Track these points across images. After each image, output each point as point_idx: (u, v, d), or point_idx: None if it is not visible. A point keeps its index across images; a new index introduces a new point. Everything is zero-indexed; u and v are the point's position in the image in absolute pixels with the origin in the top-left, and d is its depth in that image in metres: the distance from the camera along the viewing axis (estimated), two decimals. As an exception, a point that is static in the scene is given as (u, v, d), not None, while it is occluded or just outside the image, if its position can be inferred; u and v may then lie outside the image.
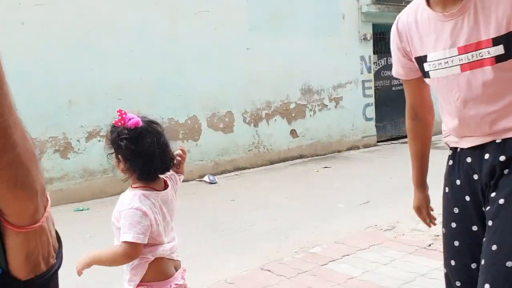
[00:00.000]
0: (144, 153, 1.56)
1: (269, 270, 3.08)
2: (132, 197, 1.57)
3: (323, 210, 4.57)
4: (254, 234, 3.94)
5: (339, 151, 8.06)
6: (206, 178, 6.24)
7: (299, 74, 7.48)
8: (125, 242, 1.51)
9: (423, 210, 1.76)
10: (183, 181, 5.96)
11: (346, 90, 8.18)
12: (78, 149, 5.47)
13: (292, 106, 7.46)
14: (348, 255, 3.28)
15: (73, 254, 3.62)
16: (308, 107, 7.67)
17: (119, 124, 1.59)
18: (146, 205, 1.56)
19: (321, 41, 7.69)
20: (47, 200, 0.66)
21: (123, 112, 1.60)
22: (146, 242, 1.53)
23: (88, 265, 1.60)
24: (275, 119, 7.26)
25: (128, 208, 1.54)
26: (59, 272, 0.71)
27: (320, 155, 7.74)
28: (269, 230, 4.00)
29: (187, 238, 3.89)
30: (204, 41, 6.41)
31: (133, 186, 1.64)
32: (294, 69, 7.38)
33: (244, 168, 6.83)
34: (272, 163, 7.15)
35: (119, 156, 1.60)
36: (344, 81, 8.14)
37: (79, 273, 1.60)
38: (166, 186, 1.68)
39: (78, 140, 5.47)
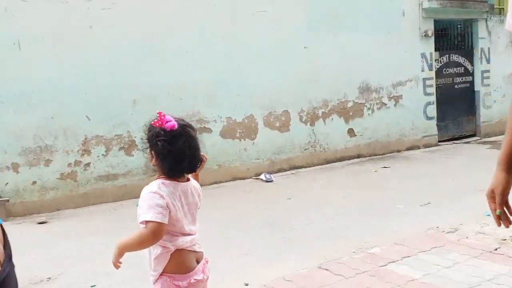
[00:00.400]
0: (175, 154, 1.67)
1: (327, 269, 3.08)
2: (152, 184, 1.70)
3: (382, 210, 4.50)
4: (311, 233, 3.95)
5: (398, 151, 7.87)
6: (262, 176, 6.30)
7: (357, 72, 7.38)
8: (145, 221, 1.62)
9: (498, 196, 1.44)
10: (240, 178, 6.08)
11: (406, 88, 7.97)
12: (142, 147, 5.68)
13: (350, 105, 7.37)
14: (408, 256, 3.22)
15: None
16: (366, 106, 7.55)
17: (157, 124, 1.70)
18: (164, 191, 1.67)
19: (381, 39, 7.54)
20: None
21: (162, 114, 1.72)
22: (166, 222, 1.63)
23: (120, 254, 1.69)
24: (332, 118, 7.21)
25: (147, 193, 1.67)
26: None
27: (378, 155, 7.59)
28: (327, 229, 3.99)
29: (244, 235, 3.98)
30: (262, 40, 6.48)
31: (158, 177, 1.75)
32: (352, 67, 7.29)
33: (300, 167, 6.83)
34: (328, 162, 7.10)
35: (153, 152, 1.72)
36: (404, 79, 7.94)
37: (116, 266, 1.70)
38: (187, 180, 1.79)
39: (141, 138, 5.67)
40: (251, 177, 6.39)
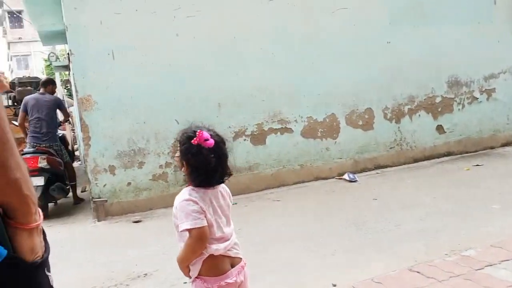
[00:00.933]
0: (209, 169, 1.75)
1: (418, 272, 2.97)
2: (184, 192, 1.79)
3: (475, 210, 4.24)
4: (400, 234, 3.83)
5: (492, 148, 7.37)
6: (345, 176, 6.21)
7: (445, 66, 7.02)
8: (186, 230, 1.71)
9: None
10: (323, 178, 6.03)
11: (499, 81, 7.45)
12: (227, 148, 5.85)
13: (438, 100, 7.03)
14: (507, 260, 3.01)
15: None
16: (456, 101, 7.16)
17: (195, 142, 1.75)
18: (196, 196, 1.75)
19: (470, 29, 7.11)
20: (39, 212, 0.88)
21: (200, 132, 1.77)
22: (206, 223, 1.71)
23: (183, 269, 1.82)
24: (419, 115, 6.92)
25: (180, 201, 1.75)
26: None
27: (470, 152, 7.16)
28: (416, 231, 3.85)
29: (330, 235, 3.95)
30: (342, 38, 6.39)
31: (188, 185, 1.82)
32: (440, 60, 6.95)
33: (386, 166, 6.64)
34: (416, 161, 6.83)
35: (185, 163, 1.79)
36: (497, 71, 7.42)
37: (190, 278, 1.84)
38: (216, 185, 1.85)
39: (227, 140, 5.85)
40: (334, 177, 6.32)
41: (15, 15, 40.00)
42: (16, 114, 8.66)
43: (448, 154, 7.06)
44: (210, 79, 5.75)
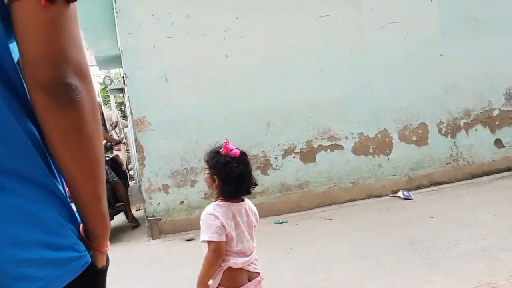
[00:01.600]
0: (237, 178, 1.90)
1: (481, 295, 2.83)
2: (209, 207, 1.92)
3: (543, 230, 4.00)
4: (460, 254, 3.66)
5: (557, 162, 6.95)
6: (400, 194, 6.04)
7: (502, 78, 6.74)
8: (204, 242, 1.85)
9: None
10: (376, 196, 5.89)
11: (563, 91, 7.05)
12: (276, 166, 5.87)
13: (495, 113, 6.74)
14: None
15: (277, 264, 3.89)
16: (515, 113, 6.84)
17: (223, 152, 1.93)
18: (219, 211, 1.87)
19: (529, 39, 6.81)
20: None
21: (227, 143, 1.96)
22: (223, 239, 1.84)
23: (203, 285, 1.89)
24: (476, 129, 6.65)
25: (204, 215, 1.90)
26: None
27: (533, 167, 6.79)
28: (477, 250, 3.67)
29: (384, 255, 3.84)
30: (392, 52, 6.29)
31: (218, 199, 1.97)
32: (496, 72, 6.68)
33: (442, 183, 6.40)
34: (474, 177, 6.55)
35: (215, 176, 1.93)
36: (560, 81, 7.03)
37: None
38: (242, 200, 1.98)
39: (276, 158, 5.87)
40: (387, 195, 6.16)
41: (73, 42, 42.19)
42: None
43: (508, 169, 6.72)
44: (259, 98, 5.80)
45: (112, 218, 6.09)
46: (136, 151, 5.56)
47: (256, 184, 2.02)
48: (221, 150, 1.94)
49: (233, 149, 1.94)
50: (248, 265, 1.93)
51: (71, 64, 0.78)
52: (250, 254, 1.95)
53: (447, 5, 6.49)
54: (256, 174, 5.72)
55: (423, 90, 6.40)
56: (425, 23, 6.43)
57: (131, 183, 13.53)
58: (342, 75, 6.10)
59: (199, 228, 5.55)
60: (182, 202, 5.55)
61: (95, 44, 9.50)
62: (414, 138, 6.41)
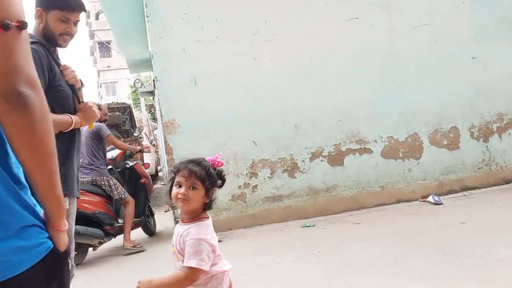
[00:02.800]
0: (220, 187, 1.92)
1: (515, 303, 2.75)
2: (200, 228, 1.84)
3: None
4: (493, 260, 3.57)
5: None
6: (430, 199, 5.93)
7: (538, 80, 6.55)
8: (190, 267, 1.77)
9: None
10: (405, 200, 5.79)
11: None
12: (303, 169, 5.86)
13: (530, 117, 6.56)
14: None
15: (305, 268, 3.86)
16: (551, 117, 6.63)
17: (220, 165, 1.93)
18: (210, 234, 1.84)
19: None
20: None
21: (219, 155, 1.97)
22: (207, 269, 1.79)
23: None
24: (509, 133, 6.48)
25: (197, 239, 1.80)
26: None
27: None
28: (510, 257, 3.57)
29: (414, 261, 3.77)
30: (423, 55, 6.20)
31: (200, 217, 1.89)
32: (531, 75, 6.50)
33: (474, 188, 6.26)
34: (507, 182, 6.37)
35: (213, 190, 1.89)
36: None
37: None
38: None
39: (303, 161, 5.86)
40: (417, 199, 6.06)
41: (104, 45, 43.25)
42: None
43: (545, 174, 6.52)
44: (287, 101, 5.81)
45: (113, 237, 5.59)
46: (166, 153, 5.64)
47: None
48: (214, 163, 1.93)
49: (221, 161, 1.95)
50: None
51: (23, 75, 0.96)
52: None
53: (480, 7, 6.35)
54: (283, 177, 5.74)
55: (455, 93, 6.28)
56: (456, 25, 6.31)
57: (160, 184, 13.72)
58: (371, 78, 6.04)
59: (226, 230, 5.61)
60: (210, 204, 5.59)
61: (126, 48, 9.71)
62: (445, 142, 6.29)
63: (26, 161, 1.01)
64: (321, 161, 5.90)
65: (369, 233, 4.78)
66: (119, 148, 6.11)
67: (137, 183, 6.06)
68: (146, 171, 9.77)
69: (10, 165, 1.05)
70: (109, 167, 5.94)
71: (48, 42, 2.45)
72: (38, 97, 0.98)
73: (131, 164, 6.28)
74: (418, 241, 4.30)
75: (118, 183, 5.58)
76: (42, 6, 2.41)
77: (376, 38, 6.07)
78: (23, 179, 1.09)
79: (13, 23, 0.95)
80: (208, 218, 1.92)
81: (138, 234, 6.17)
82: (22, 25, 0.97)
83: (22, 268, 1.02)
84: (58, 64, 2.48)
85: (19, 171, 1.08)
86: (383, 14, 6.12)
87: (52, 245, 1.10)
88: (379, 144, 6.07)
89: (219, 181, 1.93)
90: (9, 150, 1.04)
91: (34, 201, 1.11)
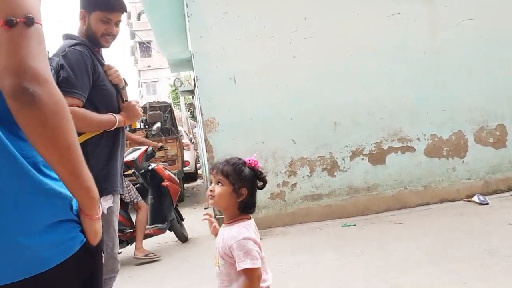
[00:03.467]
0: (259, 190, 1.89)
1: None
2: (240, 230, 1.81)
3: None
4: (544, 264, 3.42)
5: None
6: (475, 198, 5.74)
7: None
8: (248, 268, 1.74)
9: None
10: (449, 200, 5.62)
11: None
12: (343, 167, 5.80)
13: None
14: None
15: (346, 268, 3.83)
16: None
17: (253, 165, 1.90)
18: (252, 232, 1.82)
19: None
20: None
21: (255, 156, 1.96)
22: (260, 265, 1.77)
23: None
24: (561, 131, 6.18)
25: (243, 240, 1.77)
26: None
27: None
28: None
29: (459, 261, 3.67)
30: (468, 51, 6.00)
31: (239, 218, 1.87)
32: None
33: (522, 188, 6.02)
34: (558, 182, 6.09)
35: (243, 189, 1.85)
36: None
37: None
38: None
39: (343, 159, 5.80)
40: (461, 199, 5.89)
41: (145, 45, 44.17)
42: (147, 136, 9.48)
43: None
44: (326, 98, 5.75)
45: (127, 244, 5.25)
46: (206, 151, 5.71)
47: None
48: (248, 162, 1.92)
49: (258, 161, 1.95)
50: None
51: (28, 72, 0.94)
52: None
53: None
54: (323, 175, 5.69)
55: (501, 90, 6.05)
56: (503, 20, 6.07)
57: (199, 181, 13.91)
58: (414, 75, 5.91)
59: (265, 228, 5.61)
60: (249, 202, 5.61)
61: (167, 47, 9.89)
62: (491, 140, 6.08)
63: (45, 156, 1.03)
64: (362, 159, 5.82)
65: (411, 233, 4.68)
66: (136, 143, 5.73)
67: (159, 186, 5.61)
68: (186, 168, 9.58)
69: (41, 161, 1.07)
70: (132, 170, 5.71)
71: (91, 43, 2.51)
72: (47, 93, 0.97)
73: (152, 166, 5.70)
74: (463, 241, 4.18)
75: (131, 185, 5.23)
76: (85, 8, 2.47)
77: (418, 34, 5.93)
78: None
79: (18, 20, 0.95)
80: (249, 219, 1.90)
81: (167, 238, 5.84)
82: (28, 21, 0.96)
83: (54, 262, 1.04)
84: (102, 64, 2.53)
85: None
86: (426, 9, 5.96)
87: (84, 240, 1.11)
88: (422, 142, 5.93)
89: (260, 182, 1.92)
90: None
91: (70, 194, 1.12)
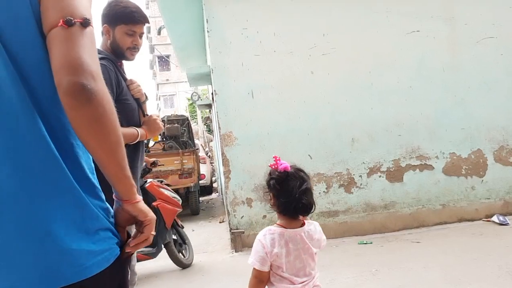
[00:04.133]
0: (285, 193, 1.86)
1: None
2: (262, 231, 1.92)
3: None
4: None
5: None
6: (494, 218, 5.64)
7: None
8: (250, 264, 1.89)
9: None
10: (468, 220, 5.53)
11: None
12: (361, 184, 5.75)
13: None
14: None
15: (362, 286, 3.78)
16: None
17: (273, 167, 1.94)
18: (268, 239, 1.86)
19: None
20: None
21: (277, 158, 1.95)
22: (266, 269, 1.86)
23: None
24: None
25: (257, 238, 1.91)
26: None
27: None
28: None
29: (479, 282, 3.60)
30: (488, 69, 5.95)
31: (277, 223, 1.95)
32: None
33: (543, 209, 5.89)
34: None
35: (271, 193, 1.92)
36: None
37: None
38: (301, 225, 1.92)
39: (360, 176, 5.76)
40: (480, 219, 5.79)
41: (163, 59, 44.77)
42: (164, 149, 9.55)
43: None
44: (344, 114, 5.75)
45: None
46: (223, 165, 5.73)
47: (313, 204, 1.91)
48: (271, 165, 1.96)
49: (283, 164, 1.94)
50: None
51: (85, 69, 0.98)
52: (303, 282, 1.88)
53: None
54: (339, 192, 5.66)
55: (523, 109, 5.98)
56: (525, 37, 6.02)
57: (214, 195, 13.92)
58: (433, 92, 5.87)
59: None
60: (264, 217, 5.61)
61: (186, 62, 10.01)
62: (511, 159, 5.98)
63: (95, 152, 1.06)
64: (379, 176, 5.77)
65: (429, 252, 4.61)
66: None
67: (150, 206, 4.44)
68: (201, 181, 9.36)
69: (83, 167, 1.10)
70: None
71: (117, 57, 2.56)
72: (101, 90, 1.01)
73: (141, 184, 4.86)
74: (482, 262, 4.10)
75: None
76: (108, 23, 2.52)
77: (438, 51, 5.91)
78: (96, 182, 1.14)
79: (76, 20, 1.01)
80: (277, 224, 1.95)
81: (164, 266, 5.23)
82: (84, 22, 1.02)
83: (92, 272, 1.05)
84: (125, 79, 2.57)
85: (93, 176, 1.13)
86: (446, 26, 5.95)
87: (118, 253, 1.14)
88: (441, 160, 5.86)
89: (275, 184, 1.96)
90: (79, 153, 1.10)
91: (107, 204, 1.15)
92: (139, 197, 1.21)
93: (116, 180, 1.13)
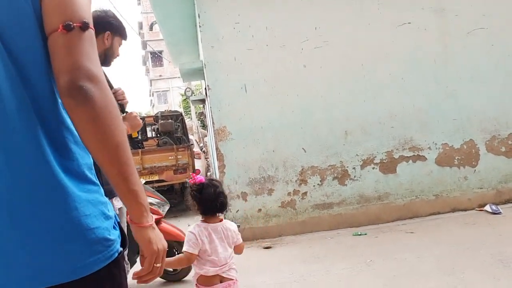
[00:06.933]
0: (204, 199, 2.39)
1: None
2: (192, 226, 2.44)
3: None
4: (558, 274, 3.39)
5: None
6: (487, 208, 5.70)
7: None
8: (183, 251, 2.38)
9: None
10: (461, 209, 5.57)
11: None
12: (354, 176, 5.80)
13: None
14: None
15: (357, 277, 3.83)
16: None
17: (191, 182, 2.48)
18: (196, 230, 2.39)
19: None
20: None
21: (194, 174, 2.53)
22: (195, 252, 2.35)
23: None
24: None
25: (188, 232, 2.42)
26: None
27: None
28: None
29: (472, 272, 3.65)
30: (479, 60, 6.00)
31: (200, 220, 2.47)
32: None
33: (535, 197, 5.96)
34: None
35: (194, 201, 2.43)
36: None
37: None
38: (220, 221, 2.45)
39: (354, 168, 5.80)
40: (473, 209, 5.85)
41: (156, 55, 44.58)
42: (159, 145, 9.55)
43: None
44: (337, 107, 5.78)
45: None
46: (217, 159, 5.75)
47: (226, 204, 2.47)
48: (190, 180, 2.51)
49: (199, 177, 2.48)
50: (223, 272, 2.38)
51: (83, 71, 1.01)
52: (223, 263, 2.38)
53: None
54: (333, 184, 5.70)
55: (514, 99, 6.03)
56: (514, 28, 6.07)
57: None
58: (425, 84, 5.91)
59: (276, 236, 5.62)
60: (259, 210, 5.64)
61: (178, 57, 9.98)
62: (503, 149, 6.04)
63: (95, 156, 1.05)
64: (373, 168, 5.82)
65: (423, 242, 4.66)
66: None
67: None
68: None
69: (81, 166, 1.09)
70: None
71: (103, 61, 2.70)
72: (100, 91, 1.01)
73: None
74: (475, 251, 4.15)
75: None
76: (111, 30, 2.75)
77: (429, 43, 5.94)
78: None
79: (75, 24, 1.03)
80: (202, 220, 2.47)
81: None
82: (83, 26, 1.04)
83: (94, 268, 1.05)
84: (111, 86, 2.69)
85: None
86: (437, 18, 5.98)
87: (121, 250, 1.12)
88: (433, 151, 5.91)
89: (191, 193, 2.49)
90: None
91: (105, 199, 1.14)
92: (150, 221, 1.14)
93: (119, 193, 1.09)
